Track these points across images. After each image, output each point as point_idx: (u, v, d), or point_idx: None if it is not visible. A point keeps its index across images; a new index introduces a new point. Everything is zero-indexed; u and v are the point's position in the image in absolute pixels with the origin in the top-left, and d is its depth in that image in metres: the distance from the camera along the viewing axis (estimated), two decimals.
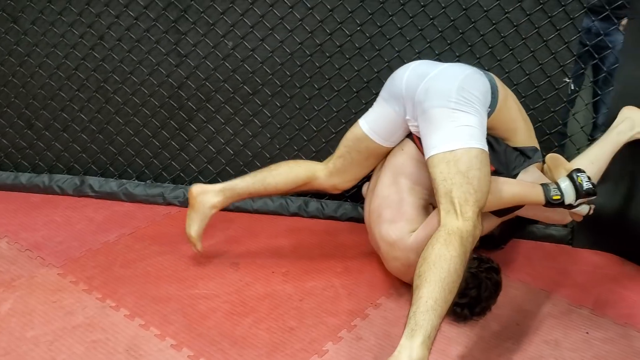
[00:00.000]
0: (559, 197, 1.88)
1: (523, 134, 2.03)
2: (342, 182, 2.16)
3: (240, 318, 1.93)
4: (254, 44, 2.40)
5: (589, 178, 1.89)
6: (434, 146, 1.76)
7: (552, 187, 1.90)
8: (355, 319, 1.94)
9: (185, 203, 2.60)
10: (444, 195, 1.69)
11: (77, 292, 2.02)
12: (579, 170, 1.92)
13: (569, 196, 1.88)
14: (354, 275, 2.18)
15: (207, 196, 2.13)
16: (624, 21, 2.47)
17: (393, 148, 2.08)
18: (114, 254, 2.26)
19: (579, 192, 1.87)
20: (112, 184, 2.68)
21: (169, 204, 2.64)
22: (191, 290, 2.06)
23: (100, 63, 2.52)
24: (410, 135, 2.04)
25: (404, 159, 2.04)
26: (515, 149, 2.01)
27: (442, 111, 1.78)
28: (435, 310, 1.46)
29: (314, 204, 2.60)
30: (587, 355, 1.83)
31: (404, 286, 2.09)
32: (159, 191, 2.65)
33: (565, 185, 1.89)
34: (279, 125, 2.53)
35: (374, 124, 2.04)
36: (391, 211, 2.00)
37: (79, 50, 2.52)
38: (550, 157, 2.04)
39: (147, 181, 2.70)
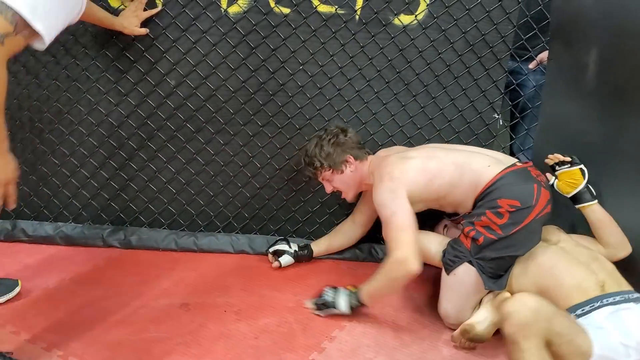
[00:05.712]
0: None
1: None
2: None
3: None
4: (197, 83, 2.40)
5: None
6: None
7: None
8: (313, 354, 1.96)
9: (126, 244, 2.55)
10: None
11: (19, 343, 1.91)
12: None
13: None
14: (306, 309, 2.20)
15: None
16: (533, 63, 2.69)
17: None
18: (55, 300, 2.17)
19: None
20: (47, 227, 2.56)
21: (110, 245, 2.56)
22: (142, 334, 2.01)
23: (35, 102, 2.43)
24: None
25: None
26: None
27: None
28: None
29: (260, 240, 2.62)
30: None
31: (356, 318, 2.15)
32: (98, 233, 2.57)
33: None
34: (222, 163, 2.53)
35: None
36: None
37: None
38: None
39: (85, 223, 2.61)
